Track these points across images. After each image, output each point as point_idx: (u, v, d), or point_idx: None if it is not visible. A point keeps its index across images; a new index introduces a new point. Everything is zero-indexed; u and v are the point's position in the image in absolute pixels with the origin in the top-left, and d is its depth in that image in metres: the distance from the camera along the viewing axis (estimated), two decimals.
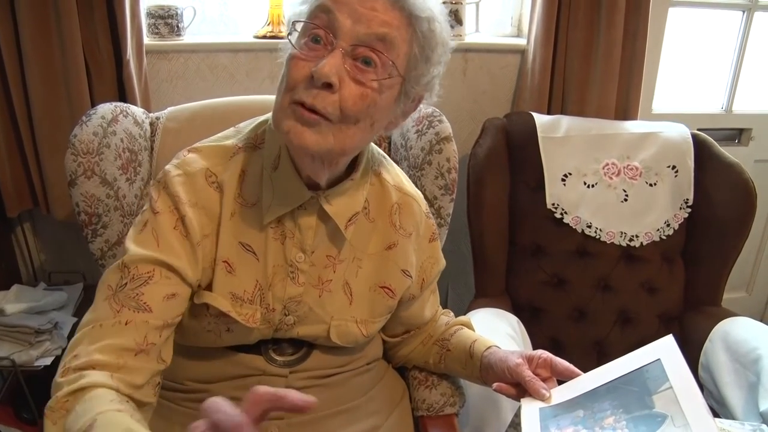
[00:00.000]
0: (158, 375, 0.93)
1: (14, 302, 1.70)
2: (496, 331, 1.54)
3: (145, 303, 0.89)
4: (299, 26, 0.89)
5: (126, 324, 0.88)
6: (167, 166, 0.99)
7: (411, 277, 1.13)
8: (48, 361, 1.60)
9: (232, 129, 1.07)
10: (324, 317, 1.07)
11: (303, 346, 1.11)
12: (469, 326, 1.28)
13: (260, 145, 1.02)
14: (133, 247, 0.92)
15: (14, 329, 1.61)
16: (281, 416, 1.06)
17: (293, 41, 0.89)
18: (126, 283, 0.90)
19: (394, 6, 0.86)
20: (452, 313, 1.33)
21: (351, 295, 1.08)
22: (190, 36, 1.93)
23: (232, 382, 1.08)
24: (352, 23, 0.84)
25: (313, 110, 0.85)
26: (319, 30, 0.85)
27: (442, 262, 1.23)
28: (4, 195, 1.76)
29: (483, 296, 1.83)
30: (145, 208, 0.98)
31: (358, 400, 1.15)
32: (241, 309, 1.00)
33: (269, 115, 1.03)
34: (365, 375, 1.19)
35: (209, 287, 0.99)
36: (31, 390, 1.65)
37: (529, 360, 1.06)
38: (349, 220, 1.03)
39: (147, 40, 1.79)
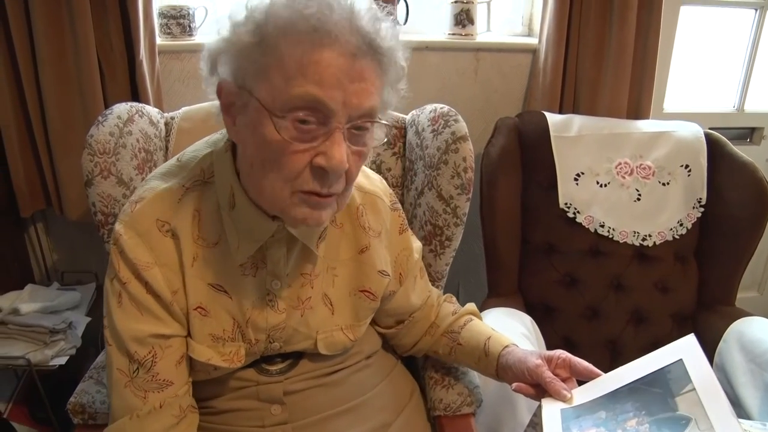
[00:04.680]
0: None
1: (28, 302, 1.70)
2: (510, 330, 1.54)
3: (164, 380, 0.95)
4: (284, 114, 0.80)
5: (161, 407, 0.95)
6: (117, 226, 0.95)
7: (388, 275, 1.12)
8: (63, 360, 1.60)
9: (174, 163, 1.02)
10: (309, 333, 1.06)
11: (292, 354, 1.10)
12: (477, 315, 1.28)
13: (209, 179, 0.97)
14: (121, 326, 0.94)
15: (29, 329, 1.61)
16: (286, 420, 1.06)
17: (279, 129, 0.80)
18: (137, 369, 0.94)
19: (373, 59, 0.82)
20: (455, 298, 1.33)
21: (331, 305, 1.08)
22: (202, 36, 1.92)
23: (228, 395, 1.08)
24: (344, 106, 0.80)
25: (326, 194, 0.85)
26: (310, 117, 0.80)
27: (417, 246, 1.22)
28: (17, 195, 1.76)
29: (495, 295, 1.83)
30: (111, 274, 0.95)
31: (362, 397, 1.14)
32: (223, 348, 1.00)
33: (212, 142, 1.01)
34: (366, 371, 1.18)
35: (190, 334, 0.99)
36: (45, 389, 1.65)
37: (548, 360, 1.05)
38: (319, 237, 1.03)
39: (159, 40, 1.79)
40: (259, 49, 0.80)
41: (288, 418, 1.06)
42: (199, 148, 1.02)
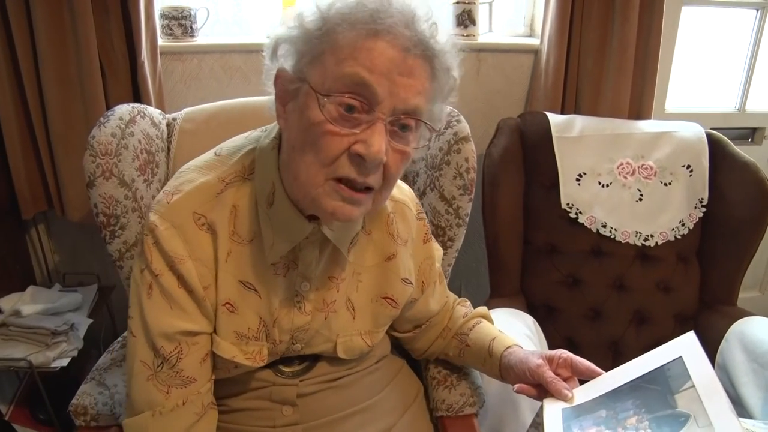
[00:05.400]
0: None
1: (30, 304, 1.69)
2: (512, 330, 1.53)
3: (187, 377, 0.95)
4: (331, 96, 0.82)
5: (184, 404, 0.95)
6: (152, 217, 0.93)
7: (412, 284, 1.13)
8: (65, 362, 1.59)
9: (212, 157, 1.01)
10: (330, 336, 1.07)
11: (310, 357, 1.11)
12: (487, 317, 1.27)
13: (249, 176, 0.97)
14: (150, 318, 0.93)
15: (31, 330, 1.61)
16: (297, 422, 1.07)
17: (322, 108, 0.82)
18: (161, 364, 0.93)
19: (425, 59, 0.84)
20: (469, 302, 1.33)
21: (354, 309, 1.08)
22: (204, 37, 1.93)
23: (244, 395, 1.08)
24: (390, 96, 0.81)
25: (361, 188, 0.85)
26: (355, 101, 0.81)
27: (439, 253, 1.23)
28: (19, 197, 1.77)
29: (498, 296, 1.83)
30: (142, 265, 0.94)
31: (372, 399, 1.15)
32: (246, 347, 1.00)
33: (254, 138, 1.01)
34: (376, 373, 1.19)
35: (215, 330, 0.99)
36: (47, 391, 1.65)
37: (550, 360, 1.05)
38: (351, 242, 1.03)
39: (161, 41, 1.79)
40: (318, 34, 0.83)
41: (299, 420, 1.07)
42: (240, 144, 1.01)
